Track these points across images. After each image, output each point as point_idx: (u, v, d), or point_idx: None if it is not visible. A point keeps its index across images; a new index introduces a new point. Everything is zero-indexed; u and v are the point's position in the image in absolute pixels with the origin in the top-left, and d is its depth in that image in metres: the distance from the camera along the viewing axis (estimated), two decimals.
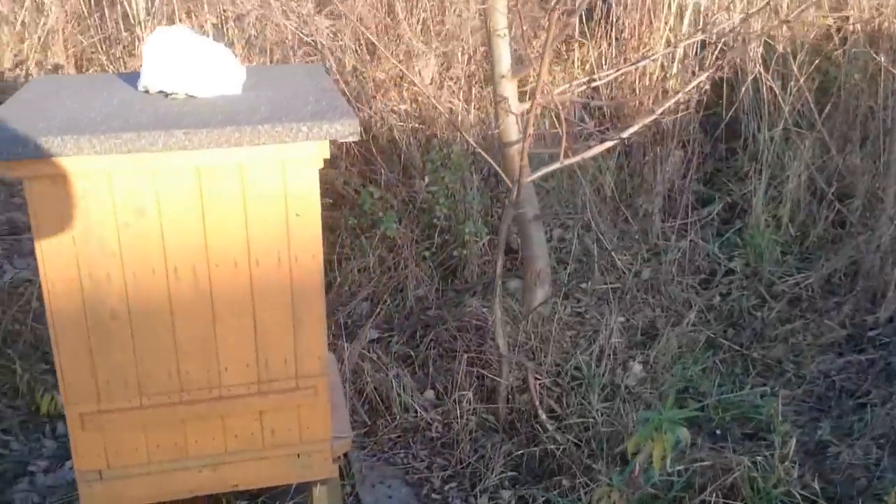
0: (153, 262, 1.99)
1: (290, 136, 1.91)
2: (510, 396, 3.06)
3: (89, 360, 2.03)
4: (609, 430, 2.91)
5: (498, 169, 2.83)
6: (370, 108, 4.39)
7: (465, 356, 3.17)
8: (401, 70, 4.45)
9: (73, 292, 1.97)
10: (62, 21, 5.32)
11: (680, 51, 4.57)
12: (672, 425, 1.97)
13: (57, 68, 5.04)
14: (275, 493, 2.52)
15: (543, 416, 2.90)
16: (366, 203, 3.96)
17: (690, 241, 4.09)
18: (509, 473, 2.79)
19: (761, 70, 4.39)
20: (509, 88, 3.15)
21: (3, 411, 3.11)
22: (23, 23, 5.62)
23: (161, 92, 2.18)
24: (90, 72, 5.29)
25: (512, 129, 3.20)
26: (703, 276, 3.99)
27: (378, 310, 3.72)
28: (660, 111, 2.90)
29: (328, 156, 2.00)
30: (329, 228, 4.13)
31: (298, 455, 2.26)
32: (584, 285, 3.89)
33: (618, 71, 3.12)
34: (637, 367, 3.31)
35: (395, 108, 4.59)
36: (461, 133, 3.00)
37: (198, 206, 1.98)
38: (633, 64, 3.27)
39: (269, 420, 2.20)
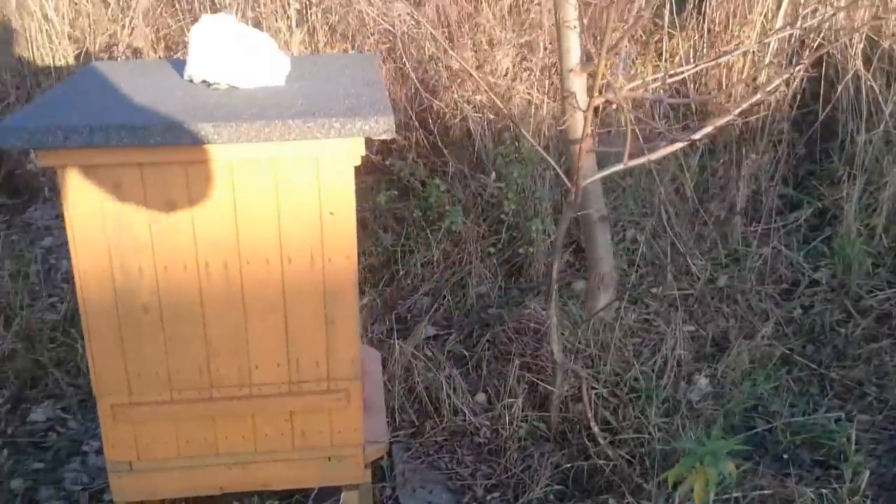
0: (184, 256, 1.96)
1: (321, 132, 1.84)
2: (564, 405, 2.94)
3: (120, 351, 2.02)
4: (665, 447, 2.75)
5: (558, 168, 2.69)
6: (444, 97, 4.30)
7: (519, 360, 3.06)
8: (475, 61, 4.36)
9: (105, 283, 1.96)
10: (150, 4, 5.41)
11: (774, 45, 4.31)
12: (716, 459, 1.81)
13: (136, 52, 5.14)
14: (308, 493, 2.47)
15: (596, 429, 2.76)
16: (432, 196, 3.88)
17: (773, 247, 3.85)
18: (556, 487, 2.67)
19: (861, 67, 4.09)
20: (577, 83, 3.01)
21: (65, 390, 3.18)
22: (118, 3, 5.75)
23: (204, 82, 2.14)
24: (178, 55, 5.37)
25: (579, 126, 3.05)
26: (785, 287, 3.75)
27: (437, 305, 3.64)
28: (736, 111, 2.71)
29: (363, 153, 1.92)
30: (396, 219, 4.08)
31: (329, 458, 2.20)
32: (654, 290, 3.71)
33: (695, 67, 2.93)
34: (703, 381, 3.13)
35: (470, 98, 4.49)
36: (519, 129, 2.88)
37: (229, 201, 1.93)
38: (714, 59, 3.06)
39: (300, 421, 2.15)
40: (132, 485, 2.15)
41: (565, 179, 2.65)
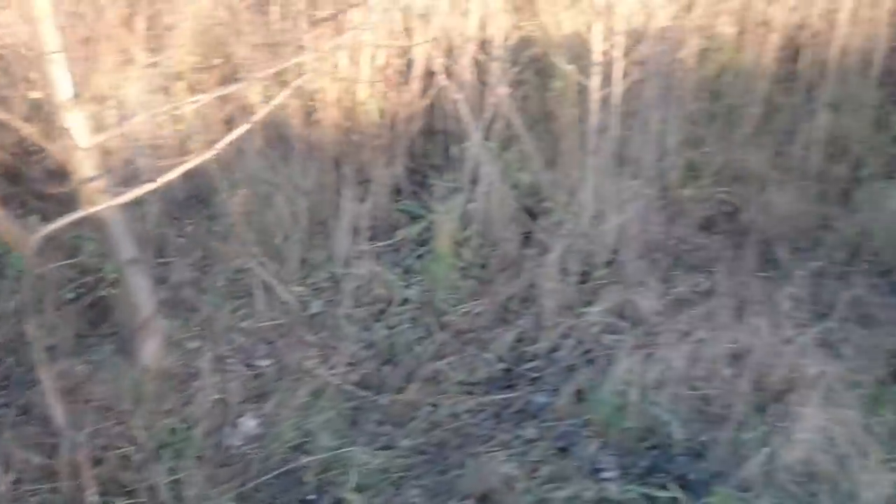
0: None
1: None
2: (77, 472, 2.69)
3: None
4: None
5: None
6: None
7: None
8: None
9: None
10: None
11: None
12: None
13: None
14: None
15: (94, 499, 2.52)
16: None
17: (372, 268, 3.75)
18: None
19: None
20: (74, 118, 2.75)
21: None
22: None
23: None
24: None
25: (83, 165, 2.81)
26: (381, 307, 3.65)
27: None
28: (219, 146, 2.57)
29: None
30: None
31: None
32: (244, 324, 3.53)
33: (197, 100, 2.76)
34: (250, 423, 2.98)
35: None
36: (45, 148, 2.58)
37: None
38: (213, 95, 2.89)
39: None
40: None
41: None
